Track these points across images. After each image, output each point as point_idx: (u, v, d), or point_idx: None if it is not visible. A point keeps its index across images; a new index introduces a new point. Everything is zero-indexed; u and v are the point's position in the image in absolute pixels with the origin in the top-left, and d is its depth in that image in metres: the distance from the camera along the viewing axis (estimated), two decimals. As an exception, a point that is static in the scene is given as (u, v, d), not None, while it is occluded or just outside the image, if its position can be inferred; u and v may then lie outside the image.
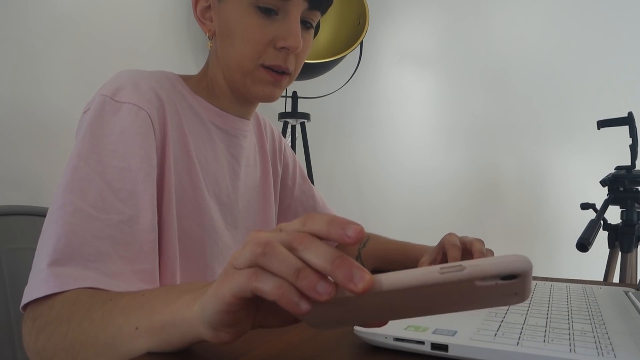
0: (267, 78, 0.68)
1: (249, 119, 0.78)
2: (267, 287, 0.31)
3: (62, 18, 1.46)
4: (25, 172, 1.34)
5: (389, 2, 2.33)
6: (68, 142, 1.42)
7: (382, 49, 2.34)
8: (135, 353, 0.40)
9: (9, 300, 0.85)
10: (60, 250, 0.50)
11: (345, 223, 0.31)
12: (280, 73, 0.68)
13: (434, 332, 0.41)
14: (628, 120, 1.38)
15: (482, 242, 0.74)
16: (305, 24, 0.69)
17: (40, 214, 0.97)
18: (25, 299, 0.49)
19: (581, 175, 1.99)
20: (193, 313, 0.36)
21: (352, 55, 2.06)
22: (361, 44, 2.07)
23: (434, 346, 0.39)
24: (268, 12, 0.65)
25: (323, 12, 0.70)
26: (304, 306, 0.31)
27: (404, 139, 2.31)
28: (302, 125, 2.08)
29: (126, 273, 0.53)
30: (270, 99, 0.70)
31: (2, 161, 1.29)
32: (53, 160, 1.39)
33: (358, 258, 0.94)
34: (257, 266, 0.32)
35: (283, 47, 0.66)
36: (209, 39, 0.71)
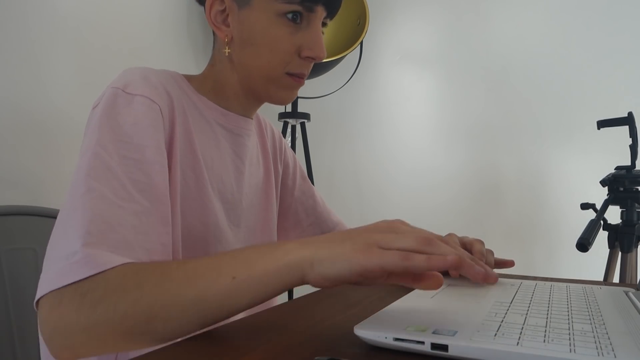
0: (292, 84, 0.71)
1: (252, 118, 0.78)
2: (424, 262, 0.41)
3: (62, 18, 1.46)
4: (25, 172, 1.34)
5: (389, 2, 2.33)
6: (68, 142, 1.43)
7: (382, 49, 2.34)
8: (226, 309, 0.43)
9: (9, 300, 0.85)
10: (92, 233, 0.49)
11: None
12: (300, 77, 0.71)
13: (434, 332, 0.41)
14: (628, 120, 1.38)
15: (482, 242, 0.74)
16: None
17: (40, 214, 0.97)
18: (63, 281, 0.46)
19: (581, 175, 1.99)
20: (303, 257, 0.42)
21: (352, 55, 2.06)
22: (361, 44, 2.07)
23: (434, 346, 0.39)
24: (294, 20, 0.66)
25: (332, 19, 0.73)
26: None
27: (404, 139, 2.31)
28: (302, 125, 2.08)
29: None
30: (289, 102, 0.73)
31: (2, 161, 1.29)
32: (53, 160, 1.39)
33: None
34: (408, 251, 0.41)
35: (309, 57, 0.69)
36: (226, 45, 0.70)
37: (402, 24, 2.33)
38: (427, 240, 0.42)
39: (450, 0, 2.24)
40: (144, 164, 0.57)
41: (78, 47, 1.50)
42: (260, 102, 0.76)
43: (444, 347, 0.39)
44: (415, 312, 0.49)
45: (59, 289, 0.46)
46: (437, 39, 2.27)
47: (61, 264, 0.47)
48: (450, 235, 0.76)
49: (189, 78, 0.73)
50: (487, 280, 0.44)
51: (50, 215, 1.02)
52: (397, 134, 2.32)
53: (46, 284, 0.47)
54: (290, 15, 0.66)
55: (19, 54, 1.34)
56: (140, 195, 0.55)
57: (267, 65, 0.68)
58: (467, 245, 0.73)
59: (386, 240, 0.43)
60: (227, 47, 0.70)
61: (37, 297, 0.48)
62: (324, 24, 0.72)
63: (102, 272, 0.46)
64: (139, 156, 0.57)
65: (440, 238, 0.46)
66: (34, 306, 0.49)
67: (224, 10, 0.69)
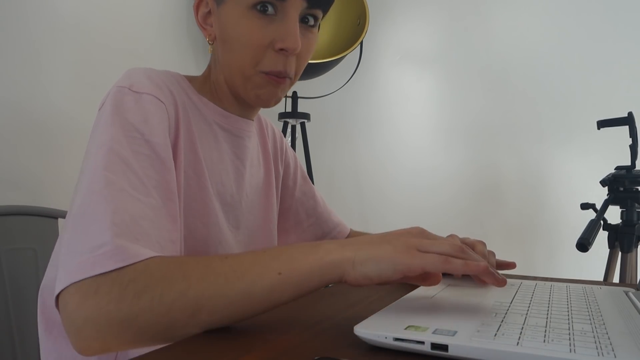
0: (268, 82, 0.67)
1: (253, 120, 0.78)
2: (462, 267, 0.46)
3: (62, 18, 1.46)
4: (25, 172, 1.34)
5: (389, 2, 2.33)
6: (68, 142, 1.43)
7: (382, 49, 2.34)
8: (268, 303, 0.46)
9: (9, 300, 0.85)
10: (119, 225, 0.48)
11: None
12: (277, 76, 0.67)
13: (434, 332, 0.41)
14: (628, 120, 1.38)
15: (483, 244, 0.73)
16: (307, 23, 0.67)
17: (40, 214, 0.97)
18: (90, 272, 0.45)
19: (581, 175, 1.99)
20: (345, 257, 0.46)
21: (352, 55, 2.06)
22: (361, 44, 2.07)
23: (434, 346, 0.39)
24: (264, 11, 0.63)
25: (325, 11, 0.68)
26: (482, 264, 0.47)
27: (404, 139, 2.31)
28: (302, 125, 2.08)
29: None
30: (270, 103, 0.69)
31: (2, 161, 1.29)
32: (53, 160, 1.39)
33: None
34: (447, 256, 0.47)
35: (282, 49, 0.64)
36: (210, 44, 0.70)
37: (402, 24, 2.33)
38: (460, 248, 0.48)
39: (451, 1, 2.24)
40: (155, 160, 0.57)
41: (78, 47, 1.50)
42: (249, 104, 0.73)
43: (444, 347, 0.39)
44: (415, 312, 0.49)
45: (92, 278, 0.45)
46: (437, 39, 2.27)
47: (85, 257, 0.46)
48: (451, 236, 0.76)
49: (190, 79, 0.72)
50: (500, 285, 0.48)
51: (50, 215, 1.02)
52: (397, 134, 2.32)
53: (69, 275, 0.46)
54: (259, 7, 0.63)
55: (19, 54, 1.34)
56: (154, 191, 0.55)
57: (240, 61, 0.66)
58: (468, 247, 0.73)
59: (424, 245, 0.48)
60: (210, 48, 0.71)
61: (59, 289, 0.46)
62: (314, 18, 0.67)
63: (139, 262, 0.46)
64: (150, 153, 0.56)
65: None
66: (53, 303, 0.47)
67: (209, 12, 0.69)
